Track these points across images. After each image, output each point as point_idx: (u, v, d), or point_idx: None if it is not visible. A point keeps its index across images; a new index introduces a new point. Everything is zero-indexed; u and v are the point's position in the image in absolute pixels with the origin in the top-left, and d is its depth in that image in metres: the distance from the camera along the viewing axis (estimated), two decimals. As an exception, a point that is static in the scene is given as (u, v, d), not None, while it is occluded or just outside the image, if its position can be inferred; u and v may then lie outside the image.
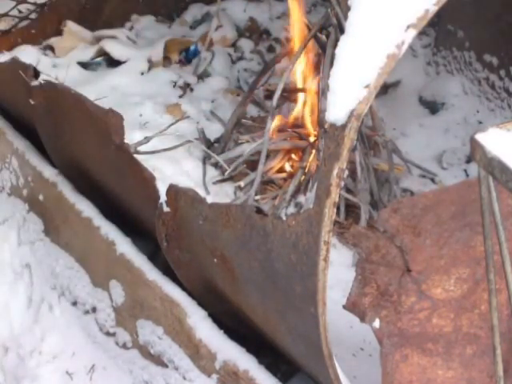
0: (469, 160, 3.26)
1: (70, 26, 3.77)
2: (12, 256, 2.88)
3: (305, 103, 3.15)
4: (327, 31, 2.95)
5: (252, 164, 3.05)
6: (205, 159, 3.17)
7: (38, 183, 2.84)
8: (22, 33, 3.69)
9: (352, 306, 1.82)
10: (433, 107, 3.57)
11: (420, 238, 1.78)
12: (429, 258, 1.82)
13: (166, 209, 2.23)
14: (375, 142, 3.13)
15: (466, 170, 3.25)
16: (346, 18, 1.63)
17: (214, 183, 3.10)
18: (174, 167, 3.08)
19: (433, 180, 3.20)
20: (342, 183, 2.89)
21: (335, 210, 1.60)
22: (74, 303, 2.67)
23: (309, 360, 1.99)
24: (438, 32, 3.69)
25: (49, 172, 2.79)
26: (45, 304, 2.72)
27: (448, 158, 3.30)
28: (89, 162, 2.66)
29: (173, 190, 2.21)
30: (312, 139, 3.08)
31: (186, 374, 2.30)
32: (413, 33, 1.52)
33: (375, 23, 1.57)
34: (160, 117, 3.37)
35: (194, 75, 3.67)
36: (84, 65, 3.71)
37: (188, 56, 3.80)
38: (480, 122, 3.43)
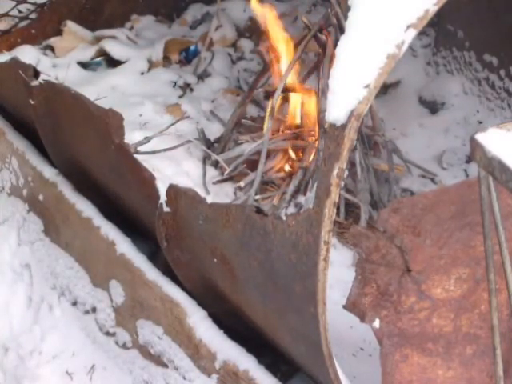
0: (469, 160, 3.26)
1: (70, 25, 3.77)
2: (12, 256, 2.88)
3: (305, 103, 3.15)
4: (327, 31, 2.95)
5: (252, 164, 3.05)
6: (205, 159, 3.18)
7: (37, 183, 2.84)
8: (22, 33, 3.69)
9: (352, 306, 1.82)
10: (433, 107, 3.57)
11: (420, 238, 1.78)
12: (429, 258, 1.82)
13: (166, 209, 2.23)
14: (375, 141, 3.13)
15: (465, 170, 3.25)
16: (345, 18, 1.64)
17: (214, 183, 3.10)
18: (173, 167, 3.08)
19: (433, 180, 3.20)
20: (342, 183, 2.89)
21: (335, 210, 1.60)
22: (74, 303, 2.68)
23: (309, 360, 1.99)
24: (437, 32, 3.69)
25: (49, 172, 2.79)
26: (45, 304, 2.72)
27: (448, 158, 3.30)
28: (89, 161, 2.66)
29: (173, 190, 2.22)
30: (312, 139, 3.08)
31: (186, 374, 2.30)
32: (413, 33, 1.52)
33: (375, 23, 1.57)
34: (160, 117, 3.37)
35: (194, 75, 3.67)
36: (84, 65, 3.71)
37: (188, 56, 3.80)
38: (480, 122, 3.43)
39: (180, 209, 2.20)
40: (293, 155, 3.10)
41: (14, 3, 3.66)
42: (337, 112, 1.57)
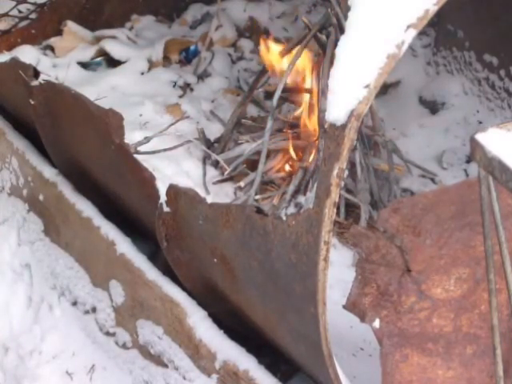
0: (469, 160, 3.26)
1: (70, 25, 3.77)
2: (12, 256, 2.88)
3: (305, 103, 3.15)
4: (327, 31, 2.95)
5: (252, 164, 3.05)
6: (205, 159, 3.18)
7: (37, 183, 2.84)
8: (22, 33, 3.69)
9: (352, 306, 1.82)
10: (433, 107, 3.57)
11: (420, 238, 1.78)
12: (429, 258, 1.82)
13: (166, 209, 2.23)
14: (375, 141, 3.13)
15: (465, 170, 3.26)
16: (345, 18, 1.64)
17: (214, 183, 3.10)
18: (173, 167, 3.08)
19: (433, 180, 3.20)
20: (342, 183, 2.89)
21: (335, 210, 1.60)
22: (74, 303, 2.67)
23: (309, 360, 1.99)
24: (437, 32, 3.69)
25: (49, 172, 2.79)
26: (45, 304, 2.72)
27: (448, 158, 3.30)
28: (89, 161, 2.66)
29: (173, 190, 2.22)
30: (312, 139, 3.08)
31: (186, 374, 2.30)
32: (413, 33, 1.52)
33: (375, 23, 1.57)
34: (160, 117, 3.37)
35: (194, 75, 3.67)
36: (84, 65, 3.70)
37: (188, 56, 3.80)
38: (480, 122, 3.43)
39: (180, 209, 2.20)
40: (293, 155, 3.10)
41: (14, 3, 3.66)
42: (337, 112, 1.57)
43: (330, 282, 1.67)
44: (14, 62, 2.78)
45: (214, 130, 3.31)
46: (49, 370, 2.58)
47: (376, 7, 1.58)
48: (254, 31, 3.98)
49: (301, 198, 2.97)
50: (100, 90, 3.39)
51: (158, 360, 2.39)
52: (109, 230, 2.55)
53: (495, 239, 1.43)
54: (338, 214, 2.89)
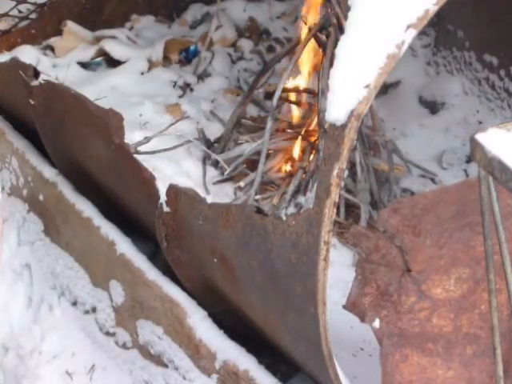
0: (469, 160, 3.26)
1: (70, 26, 3.77)
2: (12, 256, 2.88)
3: (305, 103, 3.15)
4: (327, 31, 2.95)
5: (252, 164, 3.05)
6: (205, 159, 3.18)
7: (38, 183, 2.84)
8: (22, 33, 3.69)
9: (352, 306, 1.82)
10: (433, 107, 3.57)
11: (420, 238, 1.78)
12: (429, 258, 1.82)
13: (166, 209, 2.23)
14: (375, 142, 3.13)
15: (465, 170, 3.26)
16: (346, 17, 1.64)
17: (214, 183, 3.10)
18: (173, 167, 3.08)
19: (433, 180, 3.20)
20: (342, 183, 2.89)
21: (335, 210, 1.60)
22: (74, 303, 2.67)
23: (309, 360, 1.99)
24: (437, 32, 3.69)
25: (49, 172, 2.79)
26: (45, 304, 2.72)
27: (448, 158, 3.30)
28: (89, 161, 2.66)
29: (173, 190, 2.22)
30: (312, 139, 3.08)
31: (186, 374, 2.30)
32: (413, 33, 1.52)
33: (375, 23, 1.57)
34: (160, 117, 3.37)
35: (194, 75, 3.67)
36: (84, 65, 3.71)
37: (188, 56, 3.80)
38: (480, 122, 3.43)
39: (180, 209, 2.20)
40: (293, 155, 3.10)
41: (14, 3, 3.66)
42: (337, 112, 1.57)
43: (329, 282, 1.67)
44: (14, 62, 2.78)
45: (214, 130, 3.31)
46: (49, 370, 2.58)
47: (376, 7, 1.58)
48: (253, 31, 3.98)
49: (301, 198, 2.97)
50: (100, 89, 3.39)
51: (158, 360, 2.39)
52: (109, 230, 2.55)
53: (495, 239, 1.43)
54: (338, 214, 2.89)
